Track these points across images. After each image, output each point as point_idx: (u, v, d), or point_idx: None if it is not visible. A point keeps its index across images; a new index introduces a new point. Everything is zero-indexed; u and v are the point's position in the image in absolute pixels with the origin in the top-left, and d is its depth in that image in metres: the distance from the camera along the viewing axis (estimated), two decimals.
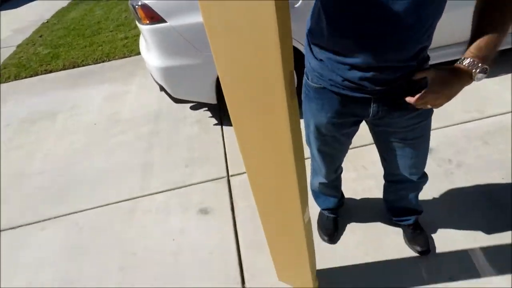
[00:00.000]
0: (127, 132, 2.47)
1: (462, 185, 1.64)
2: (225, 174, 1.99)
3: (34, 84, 3.42)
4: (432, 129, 1.86)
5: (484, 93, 2.18)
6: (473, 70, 0.72)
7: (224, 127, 2.36)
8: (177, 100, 2.22)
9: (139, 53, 3.67)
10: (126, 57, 3.66)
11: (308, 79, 0.99)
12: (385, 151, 1.16)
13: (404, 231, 1.46)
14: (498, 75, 2.29)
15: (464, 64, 0.73)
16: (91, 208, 1.90)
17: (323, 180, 1.32)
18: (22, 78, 3.54)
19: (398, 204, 1.41)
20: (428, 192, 1.59)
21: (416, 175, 1.21)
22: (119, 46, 3.86)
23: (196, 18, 1.81)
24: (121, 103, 2.85)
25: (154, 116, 2.60)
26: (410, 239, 1.41)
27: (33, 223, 1.86)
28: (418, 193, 1.35)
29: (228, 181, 1.94)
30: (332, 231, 1.53)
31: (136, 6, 1.83)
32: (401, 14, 0.69)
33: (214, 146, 2.21)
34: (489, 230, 1.42)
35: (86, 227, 1.80)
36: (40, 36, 4.55)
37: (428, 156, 1.83)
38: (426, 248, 1.37)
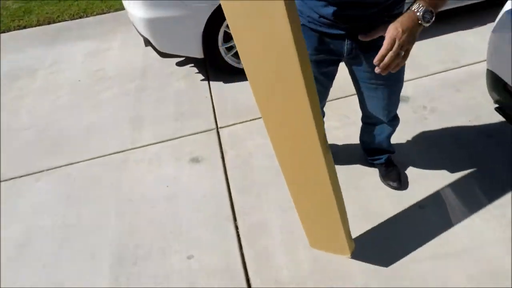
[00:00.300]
0: (113, 88, 2.46)
1: (434, 128, 1.79)
2: (214, 126, 2.06)
3: (9, 40, 3.26)
4: (410, 79, 1.99)
5: (460, 45, 2.29)
6: (419, 13, 0.76)
7: (211, 82, 2.39)
8: (163, 55, 2.21)
9: (118, 9, 3.54)
10: (104, 13, 3.50)
11: None
12: (360, 93, 1.24)
13: (379, 170, 1.60)
14: (473, 27, 2.39)
15: (412, 8, 0.78)
16: (83, 161, 1.94)
17: None
18: None
19: (371, 145, 1.54)
20: (403, 136, 1.73)
21: (387, 116, 1.30)
22: (97, 2, 3.67)
23: None
24: (104, 60, 2.79)
25: (140, 72, 2.58)
26: (384, 176, 1.56)
27: (26, 175, 1.90)
28: (390, 135, 1.46)
29: (218, 132, 2.01)
30: None
31: None
32: None
33: (202, 101, 2.25)
34: (454, 168, 1.59)
35: (79, 178, 1.85)
36: None
37: (405, 103, 1.98)
38: (398, 182, 1.53)
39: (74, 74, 2.67)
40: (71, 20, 3.45)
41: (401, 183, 1.53)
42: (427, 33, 2.48)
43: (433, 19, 0.77)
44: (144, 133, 2.07)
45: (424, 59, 2.27)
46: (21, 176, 1.89)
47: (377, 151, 1.56)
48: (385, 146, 1.52)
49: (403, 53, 0.78)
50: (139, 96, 2.36)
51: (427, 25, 0.77)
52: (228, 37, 2.17)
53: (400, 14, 0.80)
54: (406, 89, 2.04)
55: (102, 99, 2.38)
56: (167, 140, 2.00)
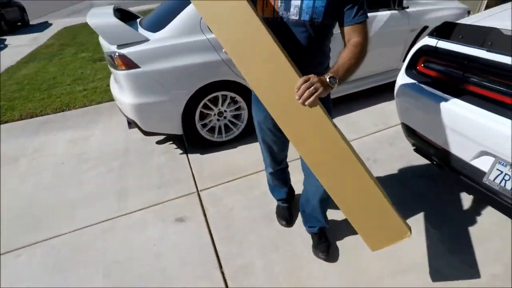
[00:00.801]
0: (97, 167, 2.67)
1: (378, 175, 2.20)
2: (194, 190, 2.30)
3: None
4: (354, 139, 2.49)
5: (387, 111, 2.94)
6: (327, 77, 1.04)
7: (189, 155, 2.71)
8: (147, 133, 2.55)
9: (99, 102, 3.97)
10: (86, 106, 3.90)
11: None
12: None
13: (312, 238, 1.73)
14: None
15: (325, 75, 1.06)
16: (68, 232, 2.02)
17: (271, 170, 1.74)
18: None
19: (306, 209, 1.65)
20: None
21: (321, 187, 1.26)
22: (79, 97, 4.10)
23: (164, 64, 2.28)
24: (87, 145, 3.04)
25: (123, 152, 2.86)
26: (315, 246, 1.69)
27: (5, 253, 1.91)
28: (323, 200, 1.49)
29: (198, 194, 2.25)
30: (287, 217, 1.92)
31: (114, 56, 2.24)
32: (299, 39, 1.15)
33: (182, 170, 2.53)
34: (398, 203, 1.95)
35: (65, 249, 1.91)
36: None
37: None
38: (326, 254, 1.64)
39: (57, 158, 2.86)
40: (54, 113, 3.77)
41: (329, 255, 1.64)
42: (364, 104, 3.16)
43: (336, 83, 1.05)
44: (129, 201, 2.24)
45: (363, 123, 2.85)
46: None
47: (311, 218, 1.66)
48: (318, 214, 1.59)
49: (314, 90, 0.99)
50: (122, 171, 2.58)
51: (334, 86, 1.05)
52: (203, 115, 2.60)
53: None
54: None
55: (87, 177, 2.56)
56: (152, 206, 2.18)
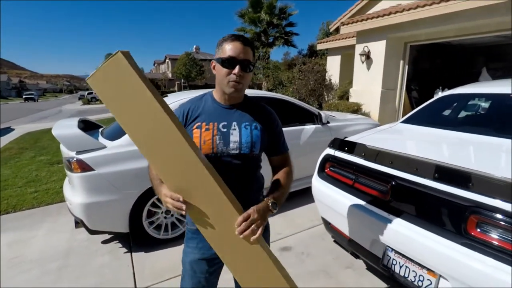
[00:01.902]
0: (31, 271, 2.57)
1: (309, 268, 2.40)
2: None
3: None
4: (290, 235, 2.77)
5: (315, 211, 3.30)
6: (268, 203, 1.16)
7: (133, 253, 2.74)
8: (92, 232, 2.62)
9: (49, 203, 3.97)
10: (35, 207, 3.86)
11: (188, 224, 1.35)
12: None
13: None
14: None
15: (266, 200, 1.18)
16: None
17: None
18: None
19: None
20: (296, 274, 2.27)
21: None
22: (28, 199, 4.08)
23: (118, 167, 2.57)
24: (26, 247, 2.95)
25: (64, 253, 2.80)
26: None
27: None
28: None
29: None
30: None
31: (72, 161, 2.50)
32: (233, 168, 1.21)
33: (124, 270, 2.53)
34: None
35: None
36: None
37: (288, 252, 2.64)
38: None
39: None
40: None
41: None
42: (301, 202, 3.52)
43: (277, 208, 1.18)
44: None
45: (300, 220, 3.16)
46: None
47: None
48: None
49: (255, 227, 1.07)
50: (59, 274, 2.51)
51: (275, 211, 1.16)
52: (150, 213, 2.77)
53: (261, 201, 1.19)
54: (288, 242, 2.77)
55: (16, 282, 2.43)
56: None
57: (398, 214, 1.68)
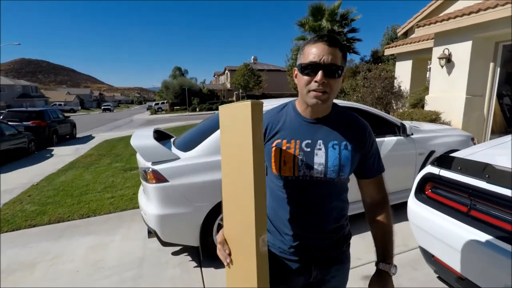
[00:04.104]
0: (110, 277, 2.64)
1: None
2: None
3: (16, 238, 3.57)
4: (373, 261, 2.46)
5: (405, 232, 2.87)
6: (390, 270, 1.06)
7: (203, 268, 2.66)
8: (165, 244, 2.61)
9: (124, 209, 4.17)
10: (111, 212, 4.10)
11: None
12: None
13: None
14: None
15: (381, 268, 1.07)
16: None
17: None
18: (3, 232, 3.69)
19: None
20: None
21: None
22: (106, 204, 4.35)
23: (191, 179, 2.52)
24: (105, 252, 3.08)
25: (138, 262, 2.85)
26: None
27: None
28: None
29: None
30: None
31: (148, 171, 2.53)
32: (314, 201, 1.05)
33: (195, 285, 2.45)
34: None
35: None
36: (29, 196, 4.95)
37: None
38: None
39: (73, 265, 2.87)
40: (80, 219, 3.96)
41: None
42: None
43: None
44: None
45: None
46: None
47: None
48: None
49: None
50: (136, 282, 2.53)
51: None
52: (220, 227, 2.67)
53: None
54: (371, 269, 2.42)
55: (99, 286, 2.51)
56: None
57: None
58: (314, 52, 0.95)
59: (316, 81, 0.95)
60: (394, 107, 8.59)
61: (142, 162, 2.68)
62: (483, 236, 1.48)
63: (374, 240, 1.13)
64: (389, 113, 8.40)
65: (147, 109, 48.02)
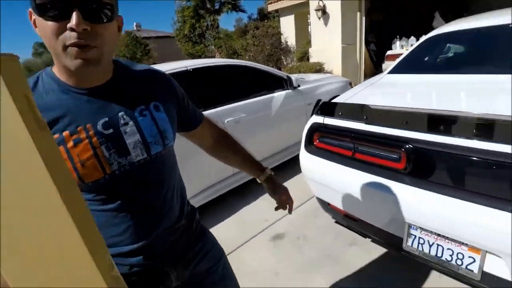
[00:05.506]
0: None
1: (310, 253, 2.08)
2: None
3: None
4: (279, 219, 2.37)
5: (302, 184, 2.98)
6: (270, 172, 1.12)
7: None
8: None
9: None
10: None
11: None
12: None
13: None
14: None
15: (267, 176, 1.11)
16: None
17: None
18: None
19: None
20: (287, 262, 1.93)
21: None
22: None
23: None
24: None
25: None
26: None
27: None
28: None
29: None
30: None
31: None
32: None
33: None
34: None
35: None
36: None
37: (281, 240, 2.28)
38: None
39: None
40: None
41: None
42: (283, 178, 3.16)
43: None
44: None
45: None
46: None
47: None
48: None
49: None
50: None
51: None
52: None
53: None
54: (279, 228, 2.41)
55: None
56: None
57: (421, 184, 1.34)
58: None
59: (72, 29, 0.59)
60: (285, 63, 8.88)
61: None
62: (368, 177, 1.50)
63: (240, 165, 1.12)
64: (280, 69, 8.67)
65: None
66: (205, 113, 2.71)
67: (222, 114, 2.64)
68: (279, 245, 2.23)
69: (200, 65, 2.71)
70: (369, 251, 2.03)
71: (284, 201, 1.16)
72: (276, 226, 2.43)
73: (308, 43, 8.04)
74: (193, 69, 2.58)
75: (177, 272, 0.87)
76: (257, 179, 1.13)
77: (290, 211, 1.18)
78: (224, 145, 1.08)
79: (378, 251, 2.01)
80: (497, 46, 2.03)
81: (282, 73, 3.32)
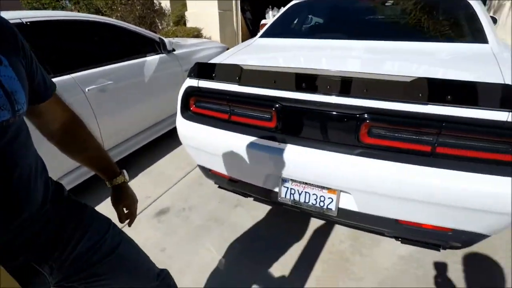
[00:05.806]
0: None
1: (196, 222, 2.05)
2: None
3: None
4: (163, 193, 2.20)
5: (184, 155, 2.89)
6: (125, 177, 0.97)
7: None
8: None
9: None
10: None
11: None
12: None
13: None
14: None
15: (119, 182, 0.95)
16: None
17: None
18: None
19: None
20: (173, 236, 1.86)
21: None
22: None
23: None
24: None
25: None
26: None
27: None
28: None
29: None
30: None
31: None
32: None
33: None
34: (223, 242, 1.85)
35: None
36: None
37: (166, 214, 2.16)
38: None
39: None
40: None
41: None
42: (165, 151, 2.98)
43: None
44: None
45: (169, 171, 2.66)
46: None
47: None
48: None
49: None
50: None
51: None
52: None
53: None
54: (163, 203, 2.28)
55: None
56: None
57: (288, 140, 1.44)
58: None
59: None
60: (160, 27, 8.16)
61: None
62: (245, 139, 1.52)
63: (90, 164, 0.93)
64: (156, 33, 7.94)
65: None
66: (56, 80, 2.21)
67: (81, 82, 2.20)
68: (164, 220, 2.11)
69: (42, 17, 2.13)
70: (251, 208, 2.15)
71: (123, 215, 0.99)
72: (159, 202, 2.28)
73: (185, 6, 7.55)
74: (31, 22, 2.02)
75: (50, 264, 0.74)
76: (107, 183, 0.96)
77: (129, 225, 1.02)
78: (77, 132, 0.87)
79: (261, 208, 2.15)
80: (348, 15, 2.32)
81: (154, 35, 2.99)
